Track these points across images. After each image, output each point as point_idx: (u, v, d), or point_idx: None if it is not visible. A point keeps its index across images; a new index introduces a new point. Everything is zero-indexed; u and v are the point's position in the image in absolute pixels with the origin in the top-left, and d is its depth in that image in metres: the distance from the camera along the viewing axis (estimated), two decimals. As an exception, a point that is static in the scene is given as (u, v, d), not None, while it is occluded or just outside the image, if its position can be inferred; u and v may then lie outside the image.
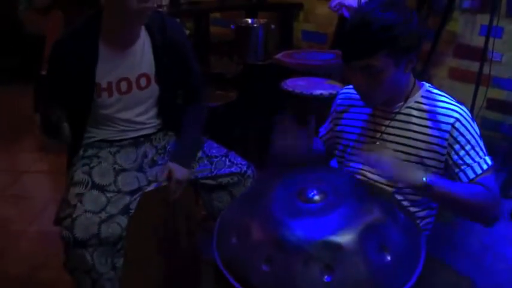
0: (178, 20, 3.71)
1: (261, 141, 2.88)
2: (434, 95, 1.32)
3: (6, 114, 3.97)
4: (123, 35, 1.57)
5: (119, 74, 1.59)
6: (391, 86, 1.27)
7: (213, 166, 1.72)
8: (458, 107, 1.28)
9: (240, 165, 1.74)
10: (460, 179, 1.24)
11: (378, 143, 1.36)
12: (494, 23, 2.65)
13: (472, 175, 1.23)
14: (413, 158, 1.30)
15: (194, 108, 1.78)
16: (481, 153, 1.25)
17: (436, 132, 1.27)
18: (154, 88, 1.67)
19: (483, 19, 2.94)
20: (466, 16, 3.21)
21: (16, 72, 4.53)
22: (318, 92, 2.27)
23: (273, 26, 3.28)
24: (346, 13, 3.42)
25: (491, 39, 2.71)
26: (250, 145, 2.95)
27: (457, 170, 1.25)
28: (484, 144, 1.28)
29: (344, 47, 1.25)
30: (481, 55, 2.79)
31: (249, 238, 1.01)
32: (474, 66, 2.87)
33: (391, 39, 1.16)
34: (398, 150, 1.31)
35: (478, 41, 3.07)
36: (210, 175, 1.72)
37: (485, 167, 1.23)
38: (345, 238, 0.95)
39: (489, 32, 2.66)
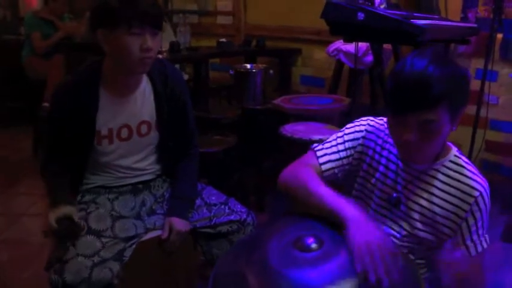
0: (178, 65, 3.81)
1: (260, 186, 2.87)
2: (463, 162, 1.29)
3: (6, 155, 3.98)
4: (124, 83, 1.58)
5: (119, 121, 1.59)
6: (439, 144, 1.22)
7: (212, 214, 1.70)
8: (483, 180, 1.26)
9: (239, 213, 1.71)
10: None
11: (394, 195, 1.32)
12: (489, 66, 2.69)
13: (473, 253, 1.26)
14: (427, 221, 1.28)
15: (188, 156, 1.79)
16: (484, 231, 1.27)
17: (457, 202, 1.25)
18: (154, 135, 1.67)
19: (478, 63, 3.00)
20: (461, 60, 3.28)
21: (17, 116, 4.59)
22: (317, 137, 2.27)
23: (271, 71, 3.34)
24: (343, 58, 3.48)
25: (486, 83, 2.75)
26: (250, 190, 2.93)
27: (461, 242, 1.26)
28: None
29: (399, 98, 1.15)
30: (477, 98, 2.83)
31: None
32: (471, 109, 2.89)
33: (451, 93, 1.12)
34: (414, 210, 1.29)
35: (474, 84, 3.11)
36: (209, 224, 1.70)
37: (485, 245, 1.27)
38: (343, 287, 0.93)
39: (484, 75, 2.70)
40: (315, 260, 1.01)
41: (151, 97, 1.64)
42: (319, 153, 1.38)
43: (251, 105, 3.14)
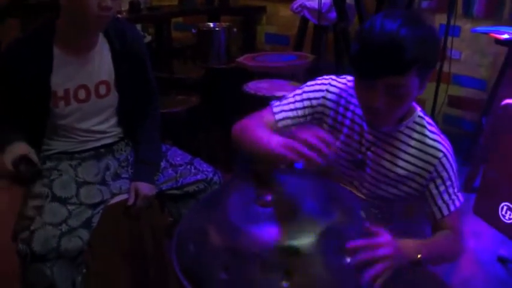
0: (139, 26, 3.68)
1: (227, 145, 2.85)
2: (425, 123, 1.27)
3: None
4: (80, 41, 1.51)
5: (76, 81, 1.53)
6: (406, 108, 1.19)
7: (178, 175, 1.69)
8: (445, 141, 1.26)
9: (205, 172, 1.71)
10: (433, 214, 1.26)
11: (359, 156, 1.32)
12: (452, 22, 2.71)
13: (446, 212, 1.25)
14: (391, 182, 1.29)
15: (149, 118, 1.76)
16: (456, 190, 1.26)
17: (421, 163, 1.25)
18: (114, 96, 1.62)
19: (441, 19, 3.01)
20: (425, 16, 3.28)
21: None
22: (280, 93, 2.25)
23: (235, 29, 3.29)
24: (307, 15, 3.44)
25: (449, 38, 2.77)
26: (216, 150, 2.92)
27: (432, 204, 1.26)
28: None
29: (368, 61, 1.08)
30: (440, 54, 2.85)
31: (206, 246, 0.98)
32: (434, 64, 2.93)
33: (422, 57, 1.06)
34: (379, 172, 1.29)
35: (437, 39, 3.13)
36: (175, 185, 1.68)
37: (457, 204, 1.26)
38: (302, 242, 0.93)
39: (447, 31, 2.72)
40: (274, 216, 1.01)
41: (109, 56, 1.58)
42: (276, 109, 1.34)
43: (215, 64, 3.11)
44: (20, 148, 1.46)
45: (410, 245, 1.08)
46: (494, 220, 2.44)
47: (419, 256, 1.08)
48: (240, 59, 2.81)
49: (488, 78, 3.22)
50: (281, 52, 3.36)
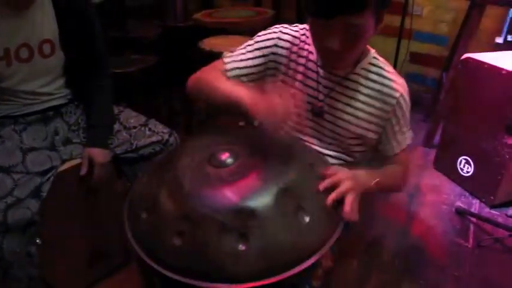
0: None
1: (186, 106, 2.79)
2: (381, 64, 1.26)
3: None
4: None
5: (17, 40, 1.42)
6: (361, 49, 1.17)
7: (132, 138, 1.62)
8: (401, 81, 1.25)
9: (161, 134, 1.64)
10: (385, 151, 1.30)
11: (320, 105, 1.28)
12: (413, -24, 2.67)
13: (398, 150, 1.30)
14: (352, 127, 1.26)
15: (99, 79, 1.66)
16: (408, 128, 1.30)
17: (379, 104, 1.23)
18: (59, 56, 1.51)
19: (403, -27, 2.96)
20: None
21: None
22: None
23: (192, -14, 3.17)
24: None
25: (411, -7, 2.74)
26: (176, 111, 2.85)
27: (385, 142, 1.29)
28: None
29: (325, 1, 1.04)
30: (402, 9, 2.83)
31: (158, 212, 0.93)
32: (396, 20, 2.90)
33: None
34: (339, 118, 1.26)
35: (399, -6, 3.09)
36: (130, 148, 1.61)
37: (408, 141, 1.32)
38: (258, 203, 0.89)
39: (408, -15, 2.69)
40: (230, 176, 0.96)
41: (52, 13, 1.47)
42: (226, 60, 1.32)
43: (172, 22, 3.00)
44: None
45: (364, 173, 1.14)
46: (453, 173, 2.50)
47: (373, 182, 1.13)
48: (197, 16, 2.70)
49: (450, 34, 3.21)
50: (239, 8, 3.26)
